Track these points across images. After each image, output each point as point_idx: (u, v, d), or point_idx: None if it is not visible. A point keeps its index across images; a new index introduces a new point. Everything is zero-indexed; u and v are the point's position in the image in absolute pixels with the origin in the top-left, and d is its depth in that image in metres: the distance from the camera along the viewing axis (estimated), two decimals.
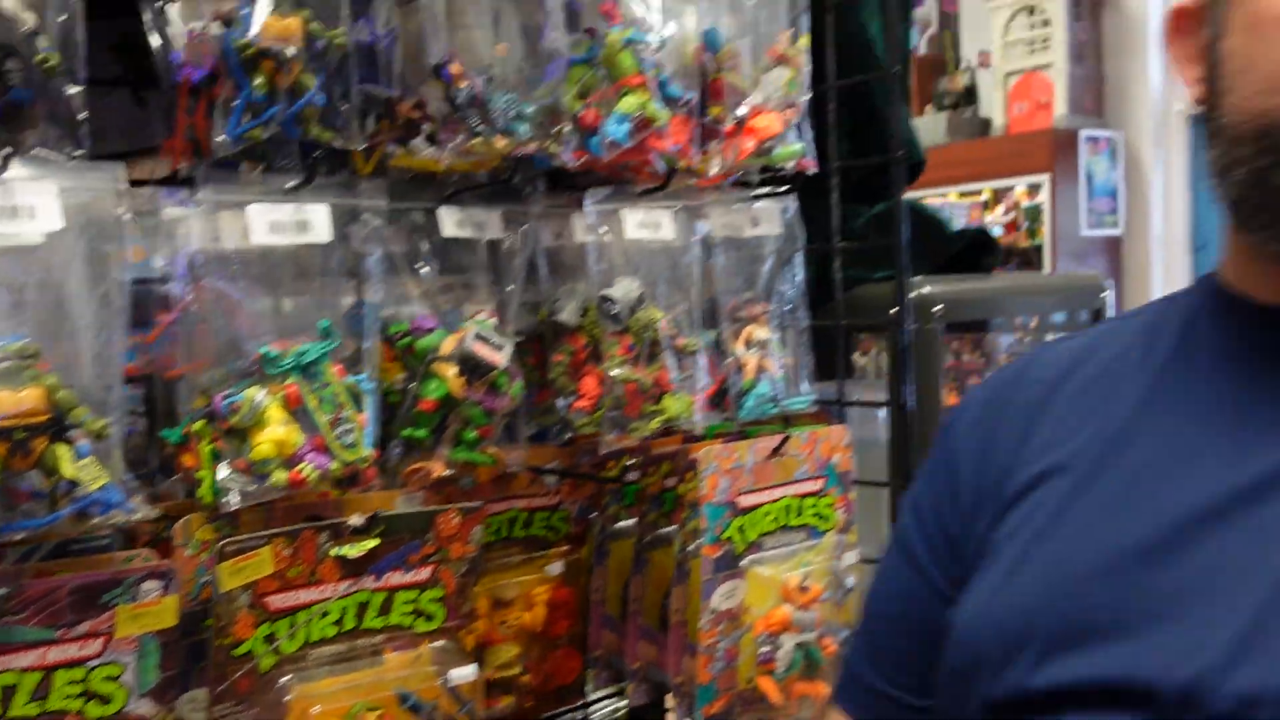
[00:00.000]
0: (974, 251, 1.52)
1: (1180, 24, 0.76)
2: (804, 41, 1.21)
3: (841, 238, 1.43)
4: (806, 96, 1.20)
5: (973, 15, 5.10)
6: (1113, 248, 4.78)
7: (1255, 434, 0.67)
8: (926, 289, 1.37)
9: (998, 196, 4.83)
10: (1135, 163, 4.75)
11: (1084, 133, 4.53)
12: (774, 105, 1.17)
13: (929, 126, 4.82)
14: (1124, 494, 0.69)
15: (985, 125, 4.92)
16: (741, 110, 1.15)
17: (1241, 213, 0.70)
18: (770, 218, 1.25)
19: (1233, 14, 0.70)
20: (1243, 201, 0.69)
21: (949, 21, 5.14)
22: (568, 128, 1.03)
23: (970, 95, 4.94)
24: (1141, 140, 4.74)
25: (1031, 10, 4.62)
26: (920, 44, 5.14)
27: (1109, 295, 1.61)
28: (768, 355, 1.25)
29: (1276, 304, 0.71)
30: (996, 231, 4.77)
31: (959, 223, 4.93)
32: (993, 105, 4.83)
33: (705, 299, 1.19)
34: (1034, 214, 4.63)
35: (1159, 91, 4.75)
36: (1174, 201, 4.82)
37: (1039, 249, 4.63)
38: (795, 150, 1.20)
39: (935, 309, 1.36)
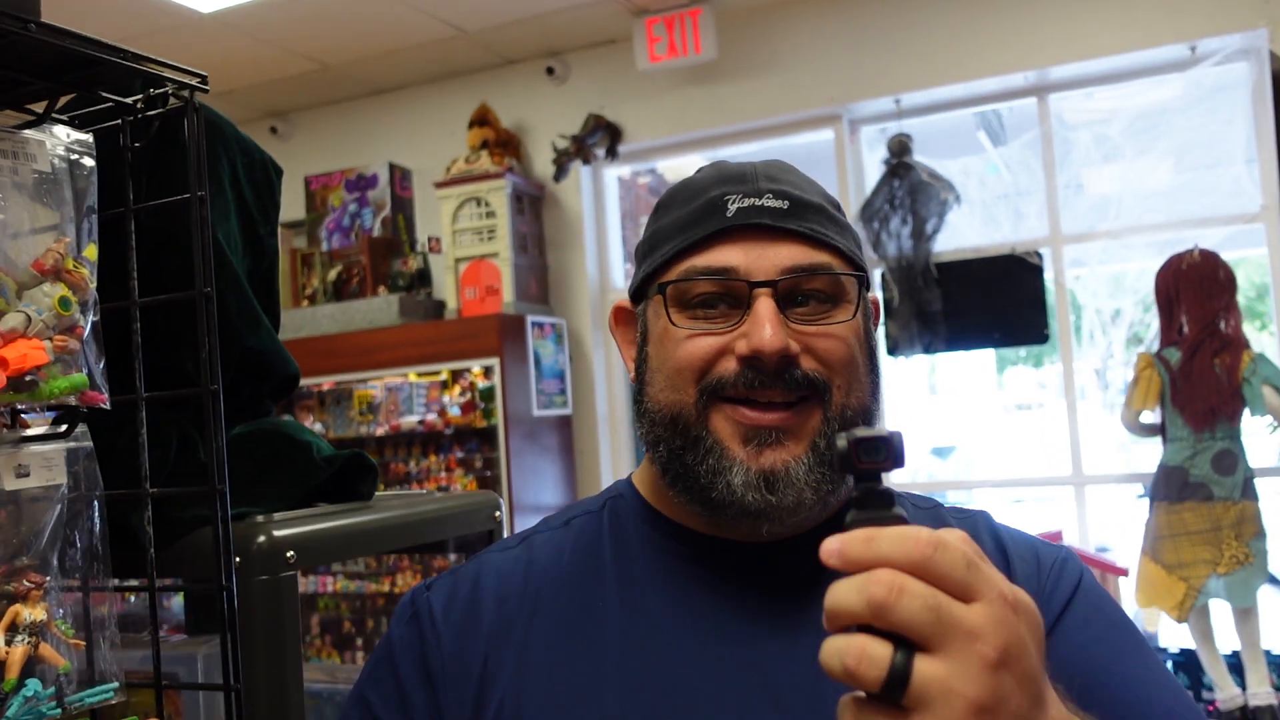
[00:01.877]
0: (349, 478, 1.37)
1: (620, 317, 1.01)
2: (90, 251, 1.00)
3: (184, 467, 1.20)
4: (92, 317, 0.98)
5: (425, 202, 5.21)
6: (564, 426, 4.99)
7: (710, 627, 0.88)
8: (278, 531, 1.17)
9: (455, 377, 4.87)
10: (579, 347, 5.05)
11: (530, 318, 4.73)
12: (37, 330, 0.93)
13: (382, 307, 4.77)
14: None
15: (440, 307, 4.97)
16: None
17: (667, 476, 0.90)
18: (50, 464, 0.99)
19: (649, 326, 0.94)
20: (667, 470, 0.90)
21: (403, 206, 5.19)
22: None
23: (424, 278, 4.98)
24: (582, 326, 5.06)
25: (478, 202, 4.80)
26: (374, 226, 5.13)
27: (502, 514, 1.53)
28: (48, 640, 0.97)
29: (679, 521, 0.94)
30: (454, 412, 4.79)
31: (417, 404, 4.88)
32: (445, 289, 4.90)
33: None
34: (489, 395, 4.71)
35: (595, 282, 5.12)
36: (614, 383, 5.17)
37: (495, 429, 4.70)
38: (76, 382, 0.96)
39: (289, 555, 1.16)
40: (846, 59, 4.62)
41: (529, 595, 0.92)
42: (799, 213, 0.89)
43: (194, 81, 1.04)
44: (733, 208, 0.89)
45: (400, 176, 5.21)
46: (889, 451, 0.60)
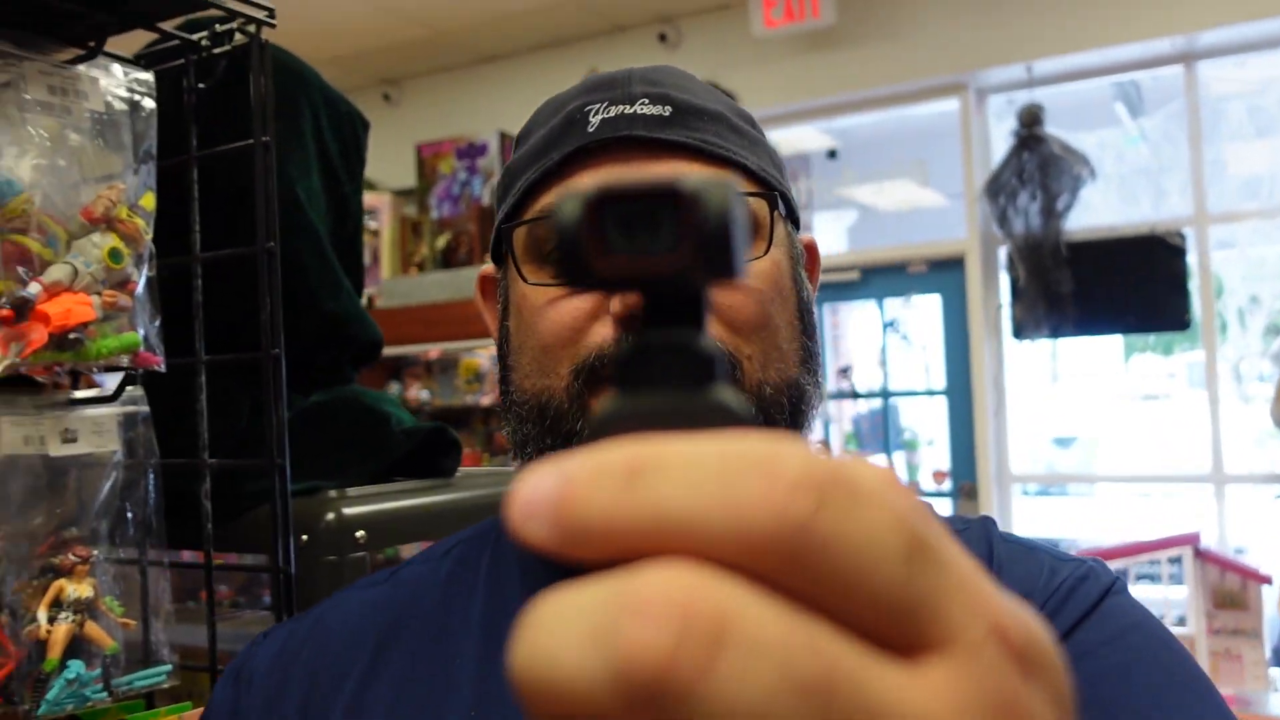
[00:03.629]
0: (431, 452, 1.29)
1: (486, 288, 0.80)
2: (148, 200, 0.92)
3: (257, 437, 1.13)
4: (147, 272, 0.91)
5: None
6: None
7: None
8: (348, 509, 1.09)
9: None
10: None
11: None
12: (85, 284, 0.86)
13: None
14: None
15: None
16: (29, 290, 0.82)
17: None
18: (101, 429, 0.92)
19: (510, 294, 0.73)
20: None
21: None
22: None
23: None
24: None
25: None
26: (484, 195, 5.10)
27: None
28: (93, 618, 0.91)
29: None
30: None
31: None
32: None
33: None
34: None
35: None
36: None
37: None
38: (126, 341, 0.89)
39: (358, 534, 1.08)
40: (974, 24, 4.37)
41: (371, 647, 0.70)
42: (685, 120, 0.69)
43: (261, 15, 0.96)
44: (595, 119, 0.68)
45: (510, 145, 5.15)
46: (680, 230, 0.24)
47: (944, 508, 4.61)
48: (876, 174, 5.34)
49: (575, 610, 0.20)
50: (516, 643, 0.21)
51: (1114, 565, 3.90)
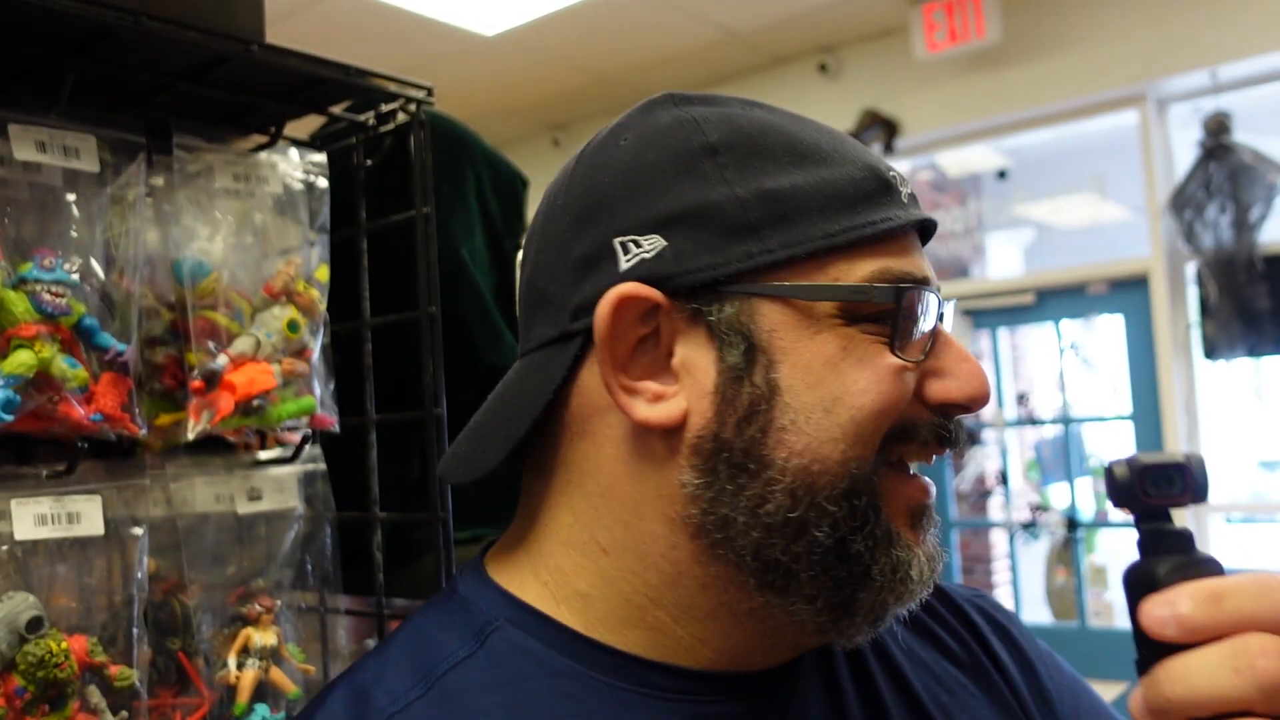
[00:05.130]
0: None
1: (638, 315, 0.63)
2: (322, 272, 0.99)
3: (427, 487, 1.19)
4: (322, 339, 0.97)
5: None
6: None
7: None
8: None
9: None
10: None
11: None
12: (266, 354, 0.93)
13: None
14: None
15: None
16: (218, 361, 0.90)
17: (791, 575, 0.60)
18: (283, 487, 0.99)
19: (769, 339, 0.61)
20: (805, 562, 0.59)
21: None
22: None
23: None
24: None
25: None
26: None
27: None
28: (277, 664, 0.97)
29: (699, 667, 0.64)
30: None
31: None
32: None
33: (163, 602, 0.90)
34: None
35: None
36: None
37: None
38: (304, 405, 0.96)
39: None
40: (1152, 29, 4.17)
41: None
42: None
43: (420, 95, 1.02)
44: (905, 191, 0.65)
45: None
46: (1186, 482, 0.50)
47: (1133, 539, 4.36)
48: (1051, 192, 5.16)
49: (1209, 662, 0.45)
50: (1165, 681, 0.46)
51: None
